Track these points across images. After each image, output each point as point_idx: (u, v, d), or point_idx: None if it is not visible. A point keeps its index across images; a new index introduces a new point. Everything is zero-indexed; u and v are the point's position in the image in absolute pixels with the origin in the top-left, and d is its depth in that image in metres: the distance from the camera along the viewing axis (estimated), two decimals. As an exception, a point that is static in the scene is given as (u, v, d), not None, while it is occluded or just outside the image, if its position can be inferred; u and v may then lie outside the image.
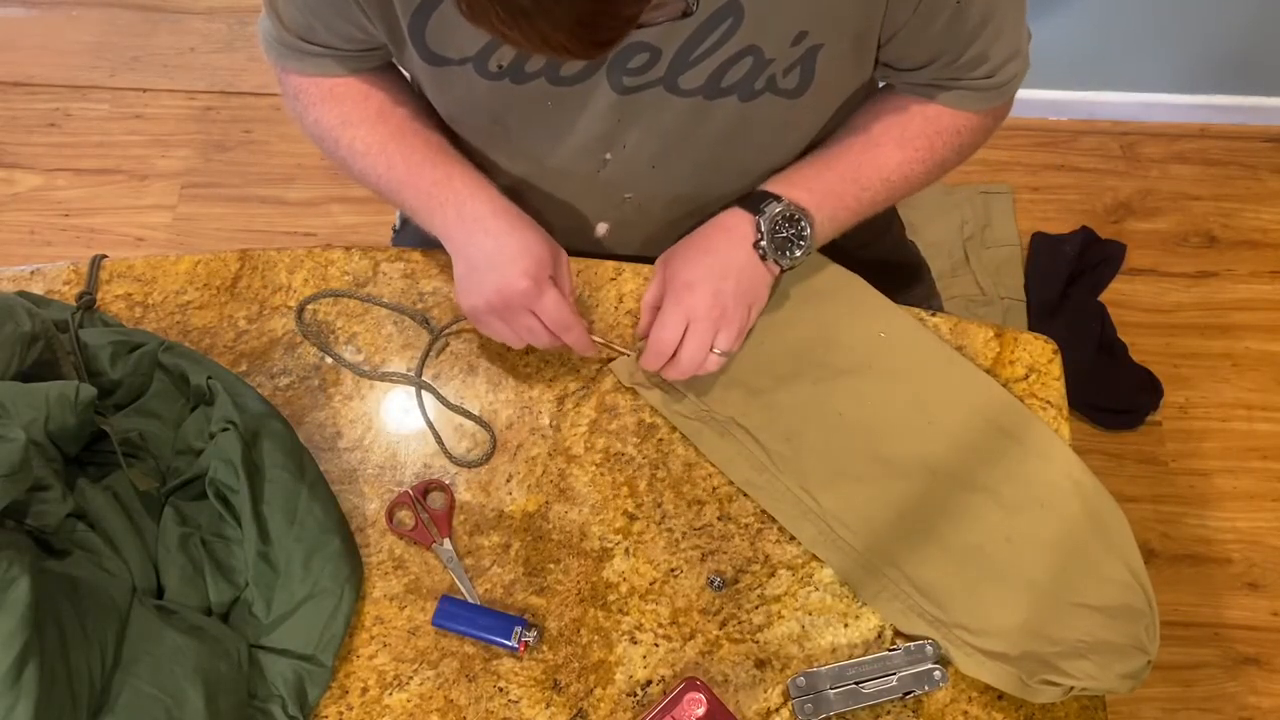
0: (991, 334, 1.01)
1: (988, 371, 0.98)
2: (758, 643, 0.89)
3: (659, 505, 0.94)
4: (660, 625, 0.90)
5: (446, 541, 0.93)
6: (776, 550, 0.92)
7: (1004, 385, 0.97)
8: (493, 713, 0.87)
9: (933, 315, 1.02)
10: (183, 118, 2.19)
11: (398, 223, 1.27)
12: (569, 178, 0.98)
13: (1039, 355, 1.00)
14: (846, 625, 0.90)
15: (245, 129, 2.16)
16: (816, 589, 0.91)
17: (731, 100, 0.89)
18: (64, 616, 0.77)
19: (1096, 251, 1.99)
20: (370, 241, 1.10)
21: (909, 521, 0.91)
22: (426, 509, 0.94)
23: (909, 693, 0.85)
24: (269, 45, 0.97)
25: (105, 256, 1.06)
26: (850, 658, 0.87)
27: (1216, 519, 1.77)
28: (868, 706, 0.85)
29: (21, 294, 0.98)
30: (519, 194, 1.02)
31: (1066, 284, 1.94)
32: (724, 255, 0.93)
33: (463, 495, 0.95)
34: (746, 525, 0.93)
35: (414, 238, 1.20)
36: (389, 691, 0.88)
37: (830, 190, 0.95)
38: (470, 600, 0.91)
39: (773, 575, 0.91)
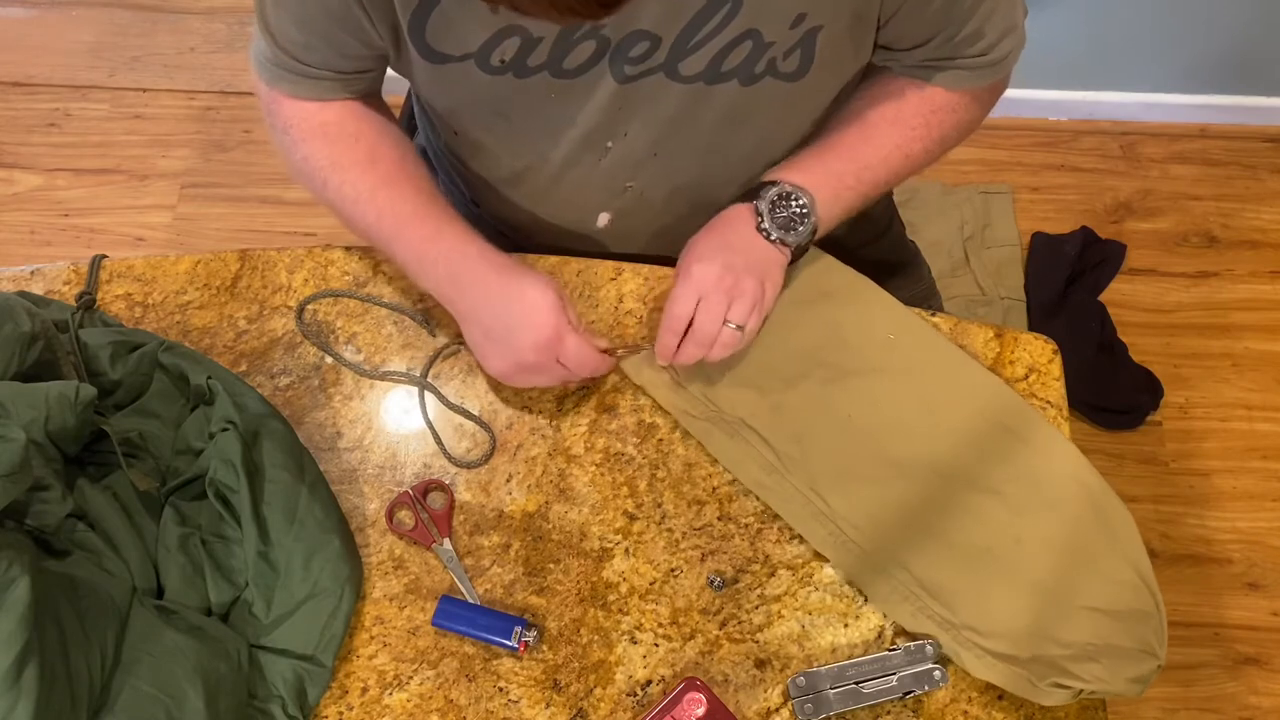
0: (991, 334, 1.01)
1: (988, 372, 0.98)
2: (758, 643, 0.89)
3: (659, 505, 0.94)
4: (660, 625, 0.90)
5: (446, 541, 0.93)
6: (776, 550, 0.92)
7: (1009, 386, 0.98)
8: (493, 713, 0.87)
9: (933, 315, 1.02)
10: (183, 118, 2.19)
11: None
12: (571, 168, 0.98)
13: (1039, 355, 1.00)
14: (846, 625, 0.90)
15: (245, 129, 2.16)
16: (816, 589, 0.91)
17: (732, 85, 0.88)
18: (64, 616, 0.77)
19: (1096, 251, 1.99)
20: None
21: (918, 523, 0.91)
22: (426, 509, 0.94)
23: (909, 693, 0.85)
24: (261, 66, 0.96)
25: (105, 256, 1.06)
26: (850, 658, 0.87)
27: (1216, 519, 1.77)
28: (868, 706, 0.85)
29: (21, 294, 0.98)
30: (520, 185, 1.02)
31: (1066, 284, 1.94)
32: (731, 236, 0.93)
33: (463, 495, 0.95)
34: (746, 525, 0.93)
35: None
36: (389, 691, 0.88)
37: (830, 171, 0.95)
38: (470, 600, 0.91)
39: (773, 575, 0.91)
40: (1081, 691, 0.83)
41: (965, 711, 0.86)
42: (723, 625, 0.90)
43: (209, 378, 0.92)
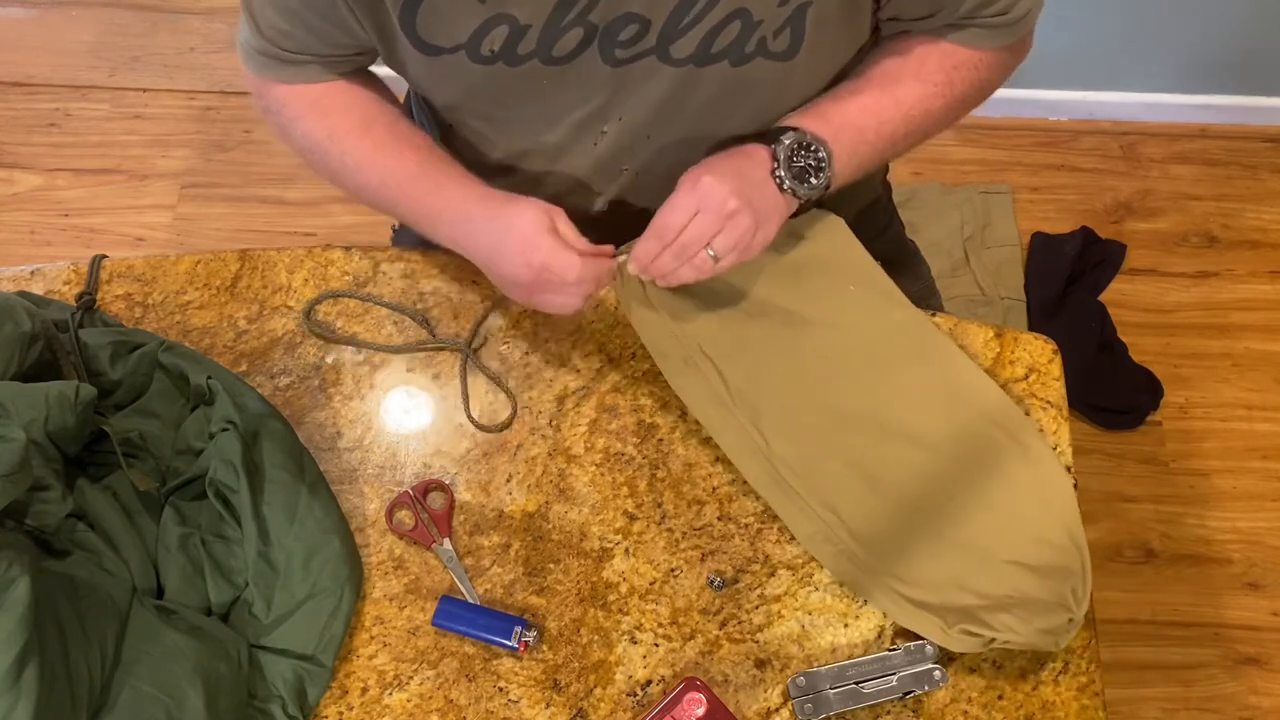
0: (991, 334, 1.01)
1: (987, 372, 0.98)
2: (758, 643, 0.89)
3: (659, 505, 0.94)
4: (660, 625, 0.90)
5: (446, 541, 0.93)
6: (776, 550, 0.92)
7: (1002, 385, 0.98)
8: (493, 713, 0.87)
9: (933, 315, 1.02)
10: (183, 118, 2.19)
11: (397, 222, 1.27)
12: (567, 153, 0.98)
13: (1039, 355, 1.00)
14: (846, 625, 0.90)
15: (245, 129, 2.16)
16: (816, 589, 0.91)
17: (723, 66, 0.88)
18: (64, 616, 0.77)
19: (1096, 251, 1.99)
20: (370, 241, 1.10)
21: (853, 472, 0.92)
22: (426, 509, 0.94)
23: (909, 693, 0.85)
24: (248, 56, 0.96)
25: (105, 256, 1.06)
26: (850, 658, 0.87)
27: (1216, 519, 1.77)
28: (867, 706, 0.85)
29: (21, 294, 0.98)
30: (517, 172, 1.02)
31: (1066, 284, 1.94)
32: (745, 168, 0.90)
33: (463, 495, 0.95)
34: (746, 525, 0.93)
35: (414, 237, 1.20)
36: (389, 691, 0.88)
37: (848, 122, 0.93)
38: (470, 600, 0.90)
39: (773, 575, 0.92)
40: (993, 641, 0.84)
41: (965, 711, 0.86)
42: (723, 625, 0.90)
43: (209, 378, 0.92)
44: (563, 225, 0.89)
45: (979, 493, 0.92)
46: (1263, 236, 2.02)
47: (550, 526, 0.94)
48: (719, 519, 0.94)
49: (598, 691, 0.88)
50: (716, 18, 0.84)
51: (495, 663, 0.89)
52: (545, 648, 0.89)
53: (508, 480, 0.96)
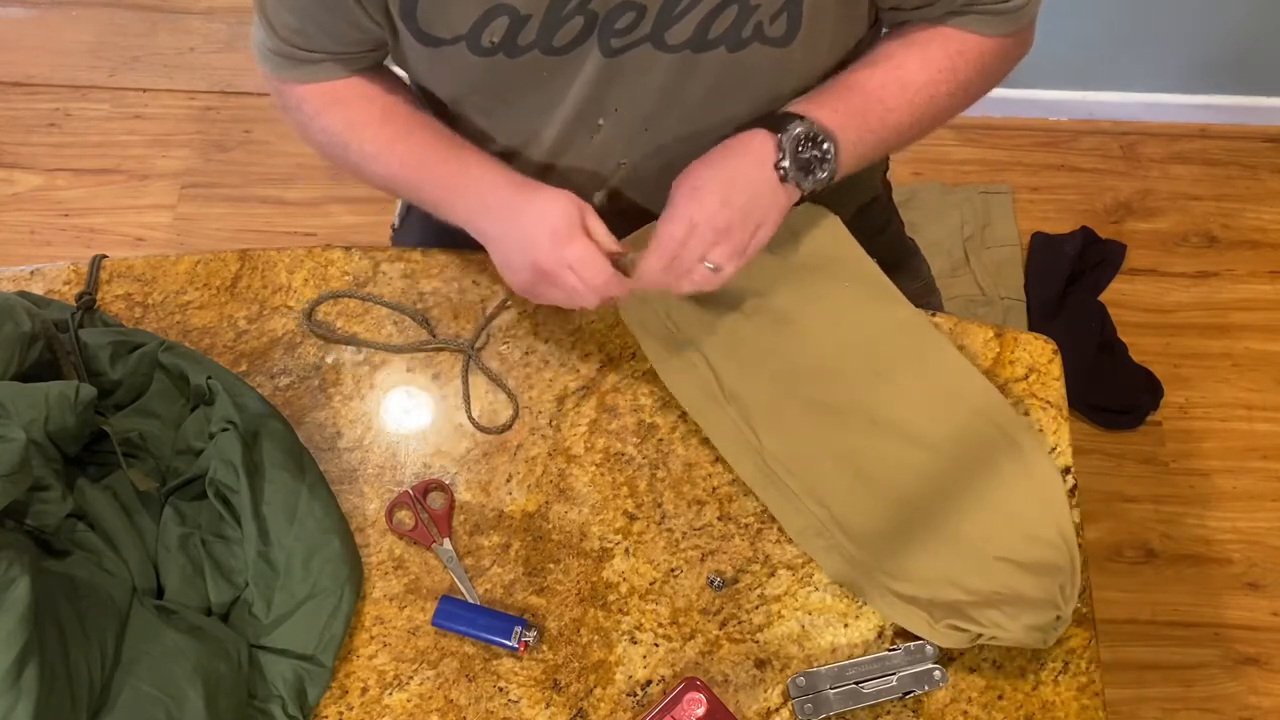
0: (991, 334, 1.01)
1: (987, 372, 0.98)
2: (758, 643, 0.89)
3: (659, 505, 0.94)
4: (660, 625, 0.90)
5: (446, 541, 0.93)
6: (776, 550, 0.92)
7: (1002, 385, 0.98)
8: (493, 713, 0.87)
9: (933, 315, 1.02)
10: (183, 118, 2.19)
11: (396, 221, 1.27)
12: (565, 146, 0.98)
13: (1039, 355, 1.00)
14: (846, 625, 0.90)
15: (245, 129, 2.16)
16: (816, 589, 0.91)
17: (719, 52, 0.87)
18: (64, 616, 0.77)
19: (1096, 251, 1.99)
20: (370, 241, 1.10)
21: (845, 468, 0.93)
22: (426, 509, 0.94)
23: (909, 693, 0.85)
24: (264, 56, 0.96)
25: (105, 256, 1.06)
26: (850, 658, 0.87)
27: (1216, 519, 1.77)
28: (867, 706, 0.85)
29: (21, 294, 0.98)
30: (515, 166, 1.02)
31: (1066, 284, 1.94)
32: (742, 169, 0.90)
33: (463, 495, 0.95)
34: (746, 525, 0.93)
35: (413, 237, 1.20)
36: (389, 691, 0.88)
37: (855, 110, 0.92)
38: (470, 600, 0.91)
39: (773, 575, 0.92)
40: (980, 636, 0.84)
41: (965, 711, 0.86)
42: (723, 625, 0.90)
43: (209, 378, 0.92)
44: (593, 222, 0.89)
45: (970, 489, 0.92)
46: (1263, 236, 2.02)
47: (550, 526, 0.94)
48: (719, 519, 0.94)
49: (598, 691, 0.88)
50: (713, 2, 0.84)
51: (495, 663, 0.89)
52: (545, 648, 0.89)
53: (508, 480, 0.96)
